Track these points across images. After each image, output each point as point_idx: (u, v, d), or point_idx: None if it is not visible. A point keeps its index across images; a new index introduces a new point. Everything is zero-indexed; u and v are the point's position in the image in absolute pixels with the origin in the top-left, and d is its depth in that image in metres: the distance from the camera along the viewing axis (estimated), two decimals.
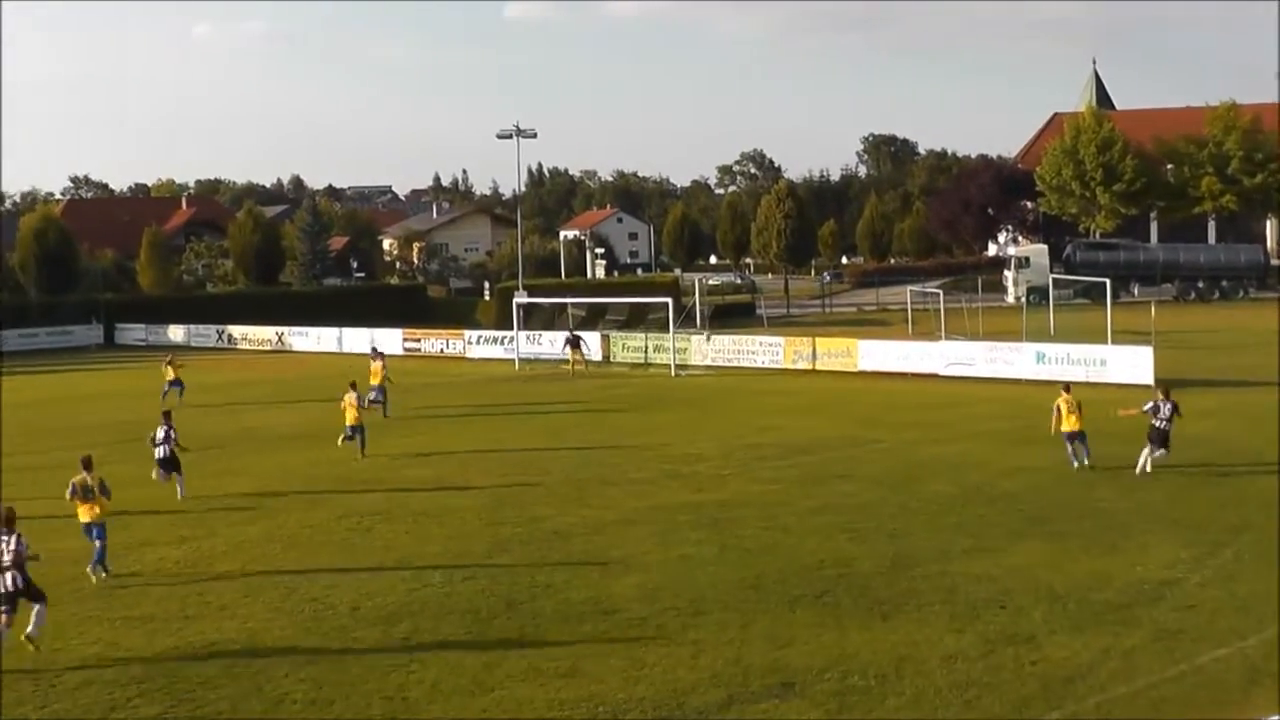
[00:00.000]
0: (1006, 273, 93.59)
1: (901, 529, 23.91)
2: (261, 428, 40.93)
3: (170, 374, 48.37)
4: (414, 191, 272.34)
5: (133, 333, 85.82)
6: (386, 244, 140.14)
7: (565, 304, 72.11)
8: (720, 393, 47.64)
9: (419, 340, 69.56)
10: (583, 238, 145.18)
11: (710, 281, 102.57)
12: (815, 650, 16.99)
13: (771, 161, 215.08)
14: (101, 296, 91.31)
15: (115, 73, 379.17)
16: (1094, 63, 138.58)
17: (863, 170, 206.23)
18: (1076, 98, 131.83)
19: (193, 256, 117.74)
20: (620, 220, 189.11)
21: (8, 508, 18.52)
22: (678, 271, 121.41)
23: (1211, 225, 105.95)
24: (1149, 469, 27.91)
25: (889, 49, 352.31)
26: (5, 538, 17.92)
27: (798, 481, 28.89)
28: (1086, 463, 28.65)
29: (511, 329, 64.30)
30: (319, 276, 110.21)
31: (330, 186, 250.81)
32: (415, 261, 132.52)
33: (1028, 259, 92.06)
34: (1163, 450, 27.93)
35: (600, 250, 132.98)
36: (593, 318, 72.18)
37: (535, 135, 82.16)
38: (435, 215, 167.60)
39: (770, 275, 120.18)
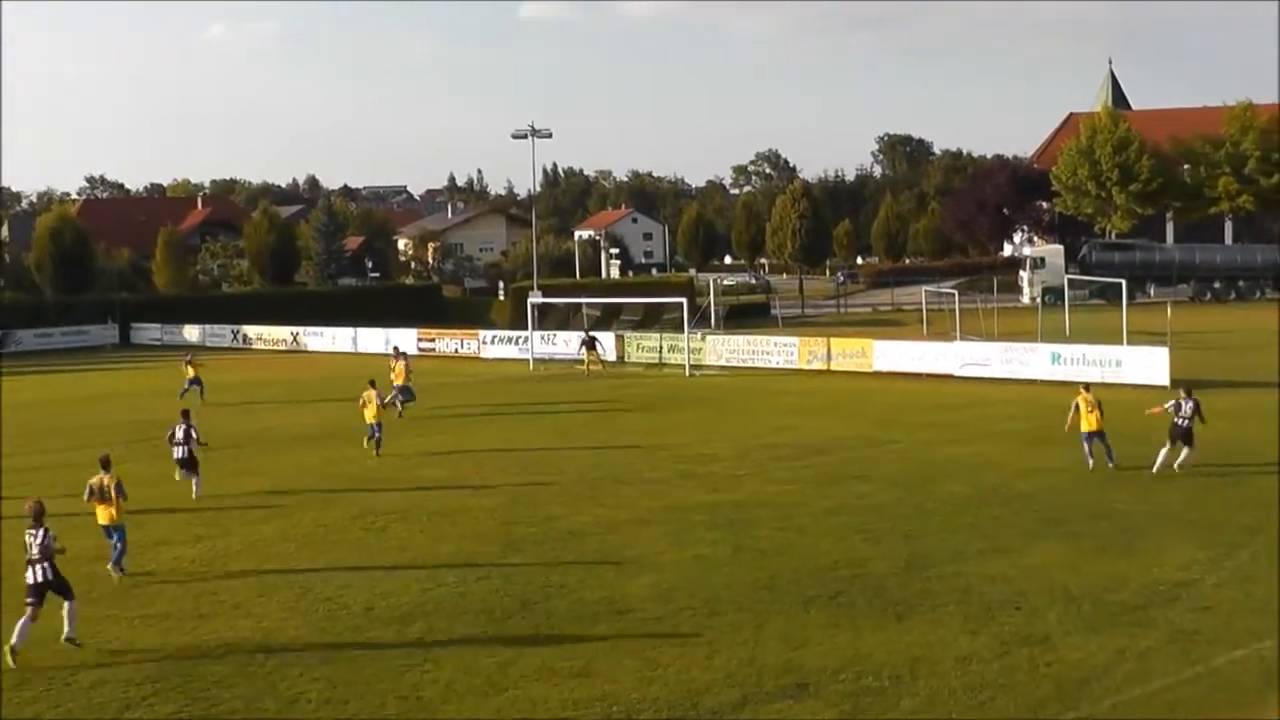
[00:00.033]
0: (1022, 273, 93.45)
1: (916, 530, 23.87)
2: (276, 427, 40.99)
3: (190, 373, 48.65)
4: (429, 191, 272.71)
5: (148, 332, 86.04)
6: (401, 244, 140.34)
7: (580, 304, 72.19)
8: (735, 393, 47.61)
9: (434, 340, 69.60)
10: (597, 238, 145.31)
11: (725, 281, 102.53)
12: (829, 651, 16.96)
13: (786, 161, 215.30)
14: (117, 296, 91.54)
15: (131, 73, 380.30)
16: (1110, 63, 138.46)
17: (878, 170, 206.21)
18: (1092, 98, 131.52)
19: (208, 256, 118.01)
20: (635, 220, 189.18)
21: (37, 501, 18.78)
22: (692, 271, 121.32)
23: (1228, 225, 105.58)
24: (1175, 466, 27.87)
25: (904, 49, 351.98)
26: (34, 531, 18.16)
27: (813, 482, 28.85)
28: (1110, 463, 28.63)
29: (526, 329, 64.32)
30: (334, 276, 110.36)
31: (345, 186, 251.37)
32: (430, 261, 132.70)
33: (1043, 259, 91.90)
34: (1187, 449, 27.92)
35: (615, 250, 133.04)
36: (607, 318, 72.28)
37: (550, 135, 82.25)
38: (450, 215, 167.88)
39: (785, 275, 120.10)
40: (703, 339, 59.38)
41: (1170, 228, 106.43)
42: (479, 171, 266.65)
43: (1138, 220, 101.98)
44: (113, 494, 21.86)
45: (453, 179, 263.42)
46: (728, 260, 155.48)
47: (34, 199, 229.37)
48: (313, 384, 55.61)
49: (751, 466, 31.23)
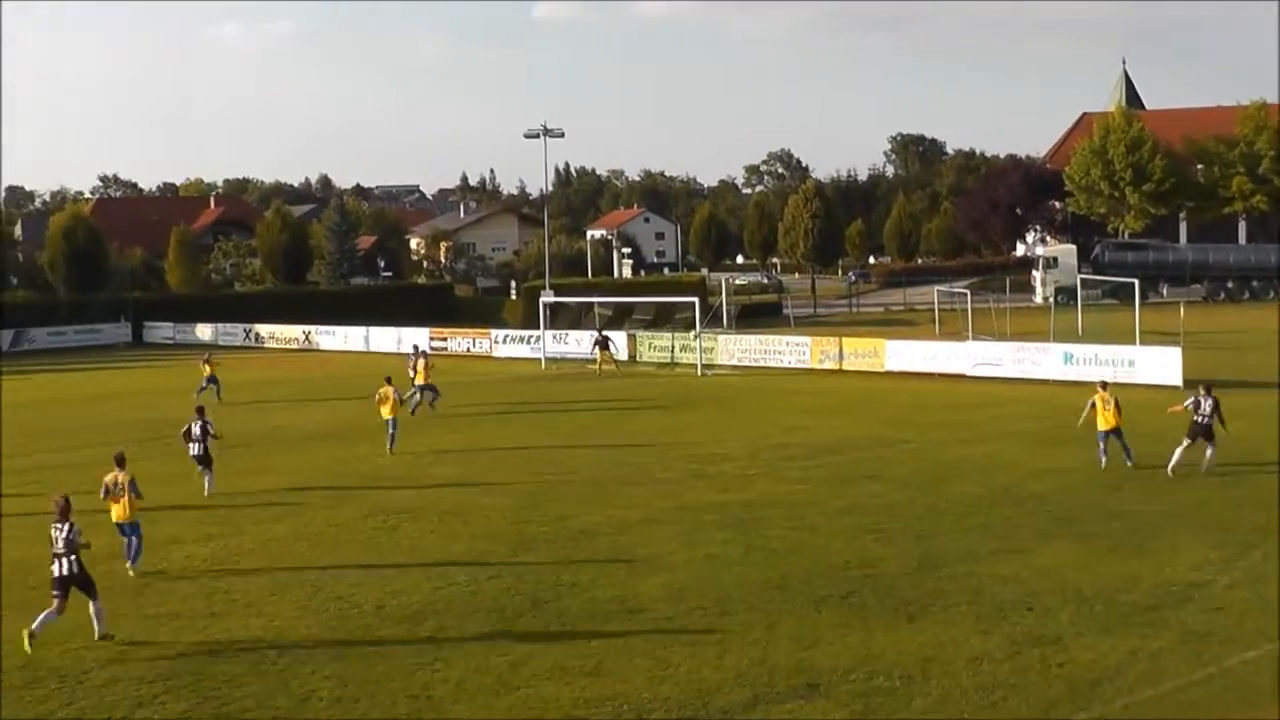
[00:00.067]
0: (1034, 273, 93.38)
1: (928, 530, 23.84)
2: (288, 426, 41.04)
3: (206, 371, 48.86)
4: (441, 191, 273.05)
5: (161, 331, 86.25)
6: (414, 243, 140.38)
7: (592, 303, 72.18)
8: (746, 392, 47.58)
9: (446, 339, 69.66)
10: (610, 237, 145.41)
11: (737, 281, 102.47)
12: (841, 651, 16.95)
13: (799, 161, 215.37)
14: (130, 295, 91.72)
15: (144, 72, 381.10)
16: (1124, 62, 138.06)
17: (890, 170, 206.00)
18: (1106, 97, 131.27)
19: (221, 255, 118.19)
20: (647, 220, 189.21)
21: (63, 497, 19.05)
22: (704, 271, 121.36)
23: (1242, 225, 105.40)
24: (1202, 469, 27.83)
25: (916, 49, 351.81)
26: (60, 525, 18.41)
27: (824, 482, 28.83)
28: (1128, 462, 28.65)
29: (538, 328, 64.29)
30: (346, 276, 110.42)
31: (358, 186, 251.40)
32: (442, 261, 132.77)
33: (1056, 259, 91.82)
34: (1210, 448, 27.91)
35: (627, 250, 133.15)
36: (619, 317, 72.28)
37: (563, 135, 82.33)
38: (462, 215, 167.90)
39: (797, 275, 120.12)
40: (715, 339, 59.35)
41: (1184, 228, 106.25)
42: (491, 171, 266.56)
43: (1151, 220, 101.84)
44: (126, 491, 21.96)
45: (465, 178, 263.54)
46: (740, 260, 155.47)
47: (47, 198, 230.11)
48: (325, 383, 55.69)
49: (763, 466, 31.21)
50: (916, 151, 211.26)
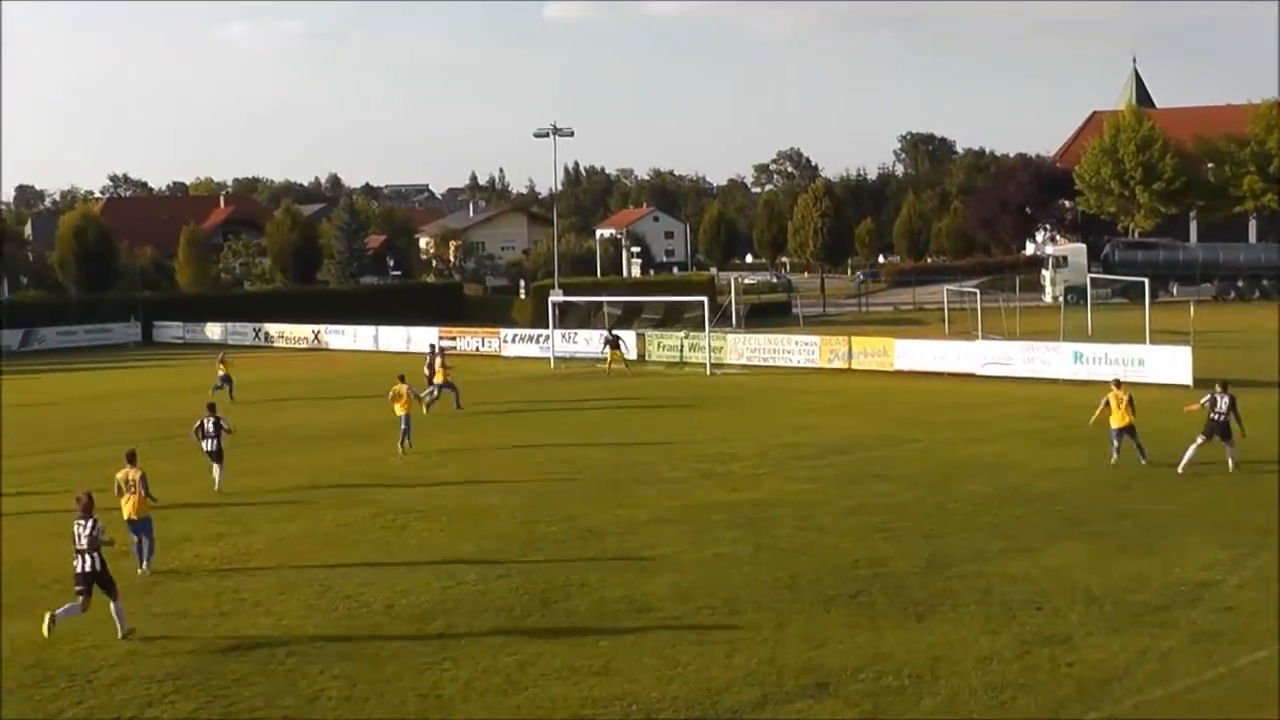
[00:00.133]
0: (1044, 272, 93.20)
1: (937, 529, 23.81)
2: (298, 425, 41.08)
3: (221, 370, 49.00)
4: (451, 190, 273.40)
5: (171, 330, 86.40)
6: (423, 242, 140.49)
7: (601, 303, 72.18)
8: (756, 391, 47.57)
9: (455, 339, 69.61)
10: (619, 236, 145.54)
11: (746, 280, 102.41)
12: (850, 650, 16.93)
13: (808, 160, 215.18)
14: (140, 294, 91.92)
15: (153, 72, 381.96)
16: (1134, 61, 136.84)
17: (900, 169, 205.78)
18: (1116, 96, 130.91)
19: (230, 255, 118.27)
20: (656, 219, 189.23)
21: (86, 493, 19.28)
22: (714, 270, 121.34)
23: (1252, 224, 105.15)
24: (1230, 466, 27.91)
25: (926, 48, 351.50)
26: (83, 522, 18.57)
27: (833, 481, 28.81)
28: (1142, 460, 28.70)
29: (547, 327, 64.32)
30: (356, 275, 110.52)
31: (367, 185, 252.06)
32: (451, 260, 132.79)
33: (1066, 258, 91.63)
34: (1228, 446, 28.00)
35: (636, 249, 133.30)
36: (629, 316, 72.22)
37: (572, 134, 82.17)
38: (472, 214, 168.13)
39: (806, 274, 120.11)
40: (724, 338, 59.33)
41: (1194, 226, 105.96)
42: (500, 170, 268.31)
43: (1161, 219, 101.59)
44: (137, 487, 22.06)
45: (474, 177, 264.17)
46: (749, 259, 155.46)
47: (57, 197, 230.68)
48: (334, 382, 55.74)
49: (772, 465, 31.19)
50: (926, 150, 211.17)
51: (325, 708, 15.67)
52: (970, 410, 40.04)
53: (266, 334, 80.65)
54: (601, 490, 28.52)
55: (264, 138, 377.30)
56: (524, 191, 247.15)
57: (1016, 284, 79.67)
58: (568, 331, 65.32)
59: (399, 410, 34.61)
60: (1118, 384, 29.70)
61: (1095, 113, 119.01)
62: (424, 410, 40.59)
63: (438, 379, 42.89)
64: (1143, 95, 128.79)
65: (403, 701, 15.72)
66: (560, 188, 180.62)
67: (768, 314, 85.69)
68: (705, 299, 60.90)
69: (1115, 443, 29.12)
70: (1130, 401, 28.94)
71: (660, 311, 74.11)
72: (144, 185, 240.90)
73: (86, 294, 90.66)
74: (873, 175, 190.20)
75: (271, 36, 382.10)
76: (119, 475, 22.36)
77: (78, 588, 18.50)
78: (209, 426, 29.55)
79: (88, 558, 18.42)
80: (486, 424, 40.57)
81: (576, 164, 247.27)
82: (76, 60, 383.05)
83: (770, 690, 15.64)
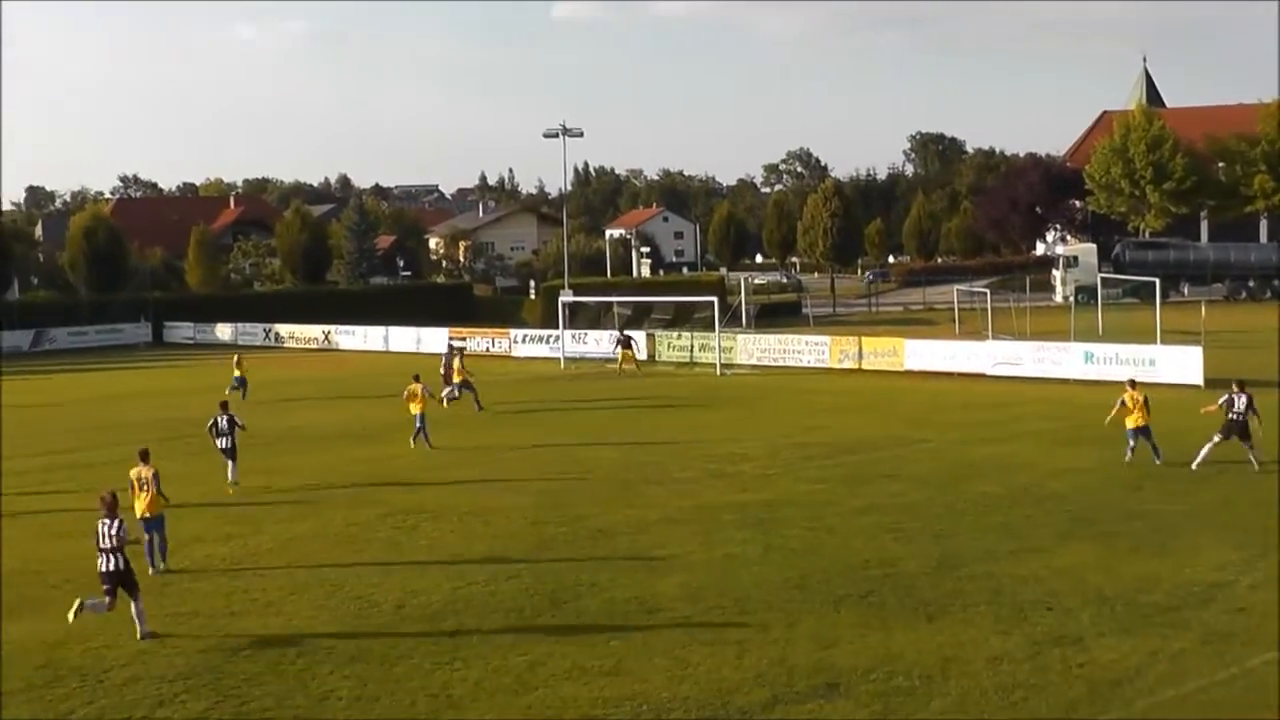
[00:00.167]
0: (1055, 272, 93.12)
1: (947, 529, 23.78)
2: (308, 425, 41.10)
3: (237, 371, 49.08)
4: (460, 190, 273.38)
5: (181, 331, 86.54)
6: (433, 243, 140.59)
7: (611, 303, 72.18)
8: (765, 392, 47.54)
9: (465, 339, 69.51)
10: (628, 236, 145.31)
11: (756, 280, 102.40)
12: (860, 651, 16.91)
13: (818, 160, 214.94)
14: (150, 295, 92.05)
15: (163, 73, 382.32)
16: (1144, 60, 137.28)
17: (910, 169, 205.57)
18: (1126, 95, 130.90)
19: (240, 255, 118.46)
20: (666, 219, 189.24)
21: (110, 493, 19.40)
22: (723, 270, 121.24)
23: (1263, 224, 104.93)
24: (1256, 466, 27.86)
25: (934, 48, 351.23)
26: (108, 521, 18.65)
27: (843, 481, 28.78)
28: (1157, 460, 28.72)
29: (557, 328, 64.35)
30: (365, 275, 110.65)
31: (377, 185, 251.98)
32: (461, 260, 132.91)
33: (1076, 258, 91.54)
34: (1248, 445, 28.02)
35: (646, 249, 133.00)
36: (638, 317, 72.25)
37: (582, 134, 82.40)
38: (481, 214, 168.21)
39: (816, 274, 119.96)
40: (734, 338, 59.31)
41: (1205, 226, 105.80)
42: (510, 170, 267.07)
43: (1172, 219, 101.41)
44: (151, 485, 22.16)
45: (484, 178, 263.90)
46: (759, 259, 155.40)
47: (68, 198, 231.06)
48: (344, 383, 55.79)
49: (782, 466, 31.18)
50: (936, 150, 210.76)
51: (336, 707, 15.68)
52: (980, 410, 39.99)
53: (277, 334, 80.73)
54: (612, 490, 28.51)
55: (273, 138, 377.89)
56: (534, 192, 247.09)
57: (1027, 284, 79.56)
58: (578, 332, 65.35)
59: (414, 409, 34.80)
60: (1133, 384, 29.69)
61: (1105, 112, 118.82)
62: (444, 405, 41.18)
63: (455, 378, 43.27)
64: (1153, 95, 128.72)
65: (413, 701, 15.72)
66: (570, 188, 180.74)
67: (777, 314, 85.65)
68: (715, 299, 60.82)
69: (1131, 443, 29.15)
70: (1146, 402, 28.95)
71: (670, 312, 74.17)
72: (154, 186, 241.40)
73: (97, 295, 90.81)
74: (882, 175, 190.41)
75: (279, 37, 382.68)
76: (132, 473, 22.54)
77: (104, 587, 18.59)
78: (223, 424, 29.94)
79: (112, 557, 18.52)
80: (497, 424, 40.57)
81: (586, 164, 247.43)
82: (86, 61, 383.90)
83: (781, 691, 15.62)
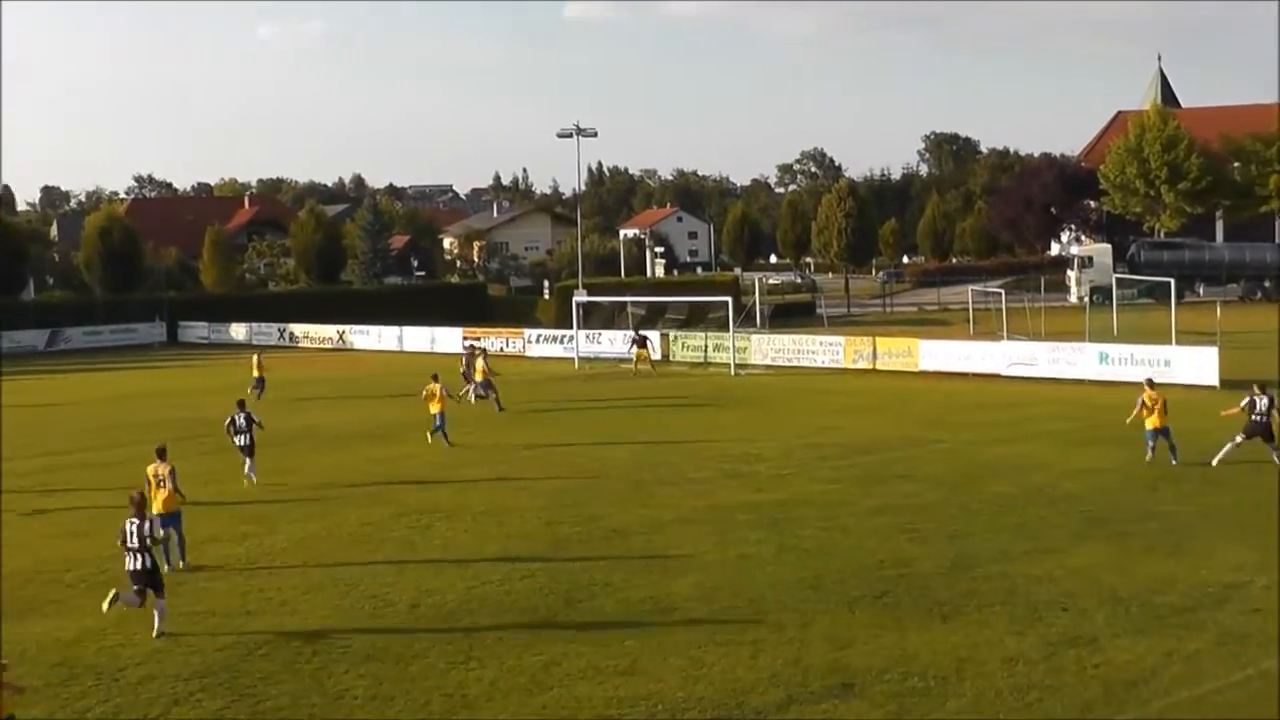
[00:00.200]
0: (1069, 272, 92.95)
1: (962, 530, 23.75)
2: (322, 425, 41.16)
3: (256, 371, 49.14)
4: (474, 190, 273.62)
5: (195, 330, 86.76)
6: (447, 243, 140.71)
7: (625, 303, 72.17)
8: (780, 392, 47.51)
9: (479, 339, 69.58)
10: (642, 236, 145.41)
11: (770, 280, 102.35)
12: (875, 651, 16.90)
13: (832, 160, 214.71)
14: (165, 295, 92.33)
15: (178, 73, 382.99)
16: (1159, 60, 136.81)
17: (924, 169, 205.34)
18: (1141, 95, 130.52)
19: (255, 255, 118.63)
20: (680, 219, 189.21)
21: (139, 492, 19.80)
22: (737, 270, 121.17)
23: (1279, 224, 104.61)
24: (1278, 465, 27.78)
25: (948, 47, 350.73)
26: (135, 521, 18.78)
27: (858, 481, 28.76)
28: (1173, 461, 28.67)
29: (571, 328, 64.36)
30: (380, 275, 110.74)
31: (391, 185, 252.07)
32: (475, 260, 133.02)
33: (1091, 258, 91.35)
34: (1271, 447, 28.07)
35: (660, 249, 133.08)
36: (652, 317, 72.23)
37: (595, 134, 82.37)
38: (495, 214, 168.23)
39: (830, 274, 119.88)
40: (748, 338, 59.28)
41: (1220, 226, 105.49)
42: (524, 170, 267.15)
43: (1187, 219, 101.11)
44: (168, 481, 22.27)
45: (498, 178, 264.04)
46: (773, 259, 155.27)
47: (83, 198, 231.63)
48: (358, 382, 55.86)
49: (796, 466, 31.16)
50: (950, 150, 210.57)
51: (351, 706, 15.71)
52: (995, 411, 39.93)
53: (291, 334, 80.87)
54: (626, 490, 28.52)
55: (288, 138, 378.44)
56: (548, 192, 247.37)
57: (1041, 284, 79.35)
58: (592, 332, 65.34)
59: (434, 409, 34.97)
60: (1151, 384, 29.65)
61: (1120, 112, 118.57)
62: (472, 402, 42.26)
63: (477, 376, 43.79)
64: (1168, 94, 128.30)
65: (428, 701, 15.75)
66: (584, 188, 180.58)
67: (792, 314, 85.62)
68: (729, 299, 60.75)
69: (1150, 443, 29.14)
70: (1164, 402, 28.92)
71: (684, 312, 74.14)
72: (169, 186, 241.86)
73: (112, 294, 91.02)
74: (896, 175, 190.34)
75: (295, 37, 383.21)
76: (149, 469, 22.70)
77: (134, 586, 18.69)
78: (240, 421, 30.10)
79: (139, 556, 18.63)
80: (511, 423, 40.59)
81: (600, 164, 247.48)
82: (102, 61, 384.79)
83: (795, 691, 15.62)
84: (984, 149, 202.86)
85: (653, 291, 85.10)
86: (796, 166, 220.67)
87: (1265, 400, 27.92)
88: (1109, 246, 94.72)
